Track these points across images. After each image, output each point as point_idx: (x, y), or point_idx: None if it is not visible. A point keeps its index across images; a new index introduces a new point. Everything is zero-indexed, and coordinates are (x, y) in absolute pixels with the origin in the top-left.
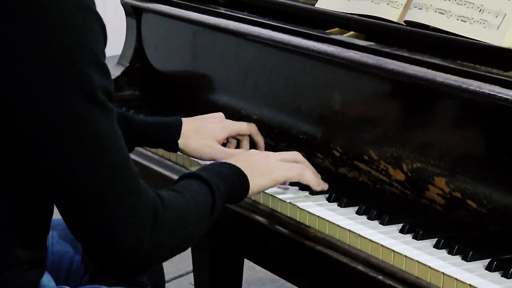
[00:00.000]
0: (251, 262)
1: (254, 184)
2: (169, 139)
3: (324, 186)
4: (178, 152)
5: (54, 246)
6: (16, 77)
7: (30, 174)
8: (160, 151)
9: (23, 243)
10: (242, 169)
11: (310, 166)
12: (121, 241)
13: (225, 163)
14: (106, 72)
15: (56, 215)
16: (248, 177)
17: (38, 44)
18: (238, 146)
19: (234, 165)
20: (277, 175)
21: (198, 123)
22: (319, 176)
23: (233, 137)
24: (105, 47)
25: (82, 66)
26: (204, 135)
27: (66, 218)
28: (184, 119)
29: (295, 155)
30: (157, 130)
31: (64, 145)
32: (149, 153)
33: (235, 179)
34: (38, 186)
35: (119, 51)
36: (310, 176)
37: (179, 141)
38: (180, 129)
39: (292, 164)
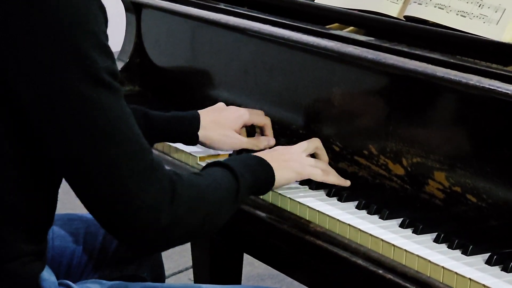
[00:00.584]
0: (250, 258)
1: (280, 176)
2: (189, 131)
3: (346, 183)
4: (197, 144)
5: (55, 241)
6: (21, 64)
7: (35, 165)
8: (160, 147)
9: (26, 235)
10: (268, 161)
11: (326, 156)
12: (138, 215)
13: (251, 154)
14: (109, 53)
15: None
16: (274, 169)
17: (39, 30)
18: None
19: (260, 157)
20: (302, 170)
21: (215, 113)
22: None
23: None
24: (106, 29)
25: (85, 49)
26: (222, 125)
27: (83, 198)
28: (200, 111)
29: (316, 142)
30: (177, 124)
31: (75, 127)
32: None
33: (261, 169)
34: (43, 176)
35: (119, 47)
36: (335, 179)
37: (199, 133)
38: (199, 121)
39: (317, 162)
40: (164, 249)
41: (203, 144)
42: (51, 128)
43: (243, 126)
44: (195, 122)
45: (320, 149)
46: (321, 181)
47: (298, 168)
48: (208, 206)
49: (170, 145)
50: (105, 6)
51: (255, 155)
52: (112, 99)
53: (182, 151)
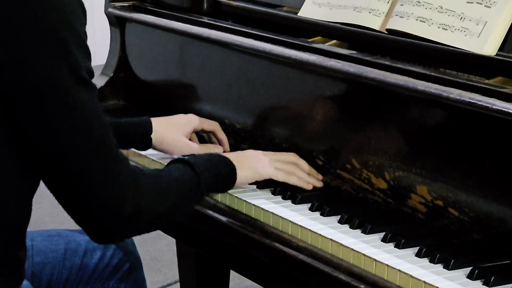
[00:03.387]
0: None
1: (242, 174)
2: (143, 136)
3: (316, 183)
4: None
5: (34, 257)
6: (9, 57)
7: (14, 167)
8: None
9: (4, 241)
10: (231, 160)
11: (306, 166)
12: (104, 203)
13: (215, 153)
14: (88, 53)
15: (36, 226)
16: (236, 168)
17: (28, 25)
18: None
19: (223, 155)
20: (263, 170)
21: (166, 119)
22: (316, 174)
23: (198, 133)
24: (85, 28)
25: (69, 46)
26: (173, 130)
27: (53, 187)
28: (152, 118)
29: (291, 156)
30: (131, 129)
31: (52, 117)
32: None
33: (222, 166)
34: (23, 171)
35: (103, 61)
36: (296, 180)
37: (151, 137)
38: (151, 125)
39: (283, 165)
40: (125, 238)
41: (155, 148)
42: (32, 117)
43: (195, 132)
44: (148, 127)
45: (298, 163)
46: (282, 181)
47: (259, 168)
48: (169, 199)
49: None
50: (94, 19)
51: (220, 154)
52: (88, 97)
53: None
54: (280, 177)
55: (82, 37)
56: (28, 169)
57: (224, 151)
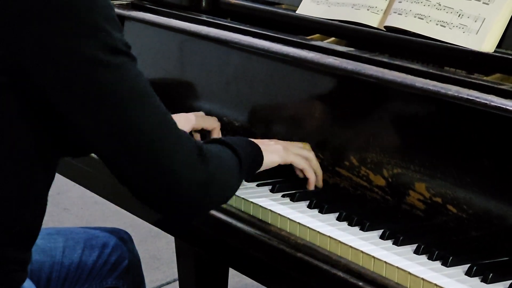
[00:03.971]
0: None
1: (267, 157)
2: None
3: (320, 183)
4: None
5: (34, 255)
6: (38, 43)
7: (32, 161)
8: None
9: (14, 240)
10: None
11: (317, 164)
12: (176, 174)
13: (242, 138)
14: (120, 26)
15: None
16: (262, 151)
17: (57, 12)
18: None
19: (248, 139)
20: (287, 155)
21: None
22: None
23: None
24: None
25: (101, 23)
26: None
27: (119, 169)
28: None
29: (308, 152)
30: None
31: (101, 95)
32: None
33: (252, 149)
34: (37, 173)
35: None
36: (312, 174)
37: None
38: None
39: (304, 154)
40: (203, 209)
41: None
42: (79, 105)
43: (195, 131)
44: None
45: (312, 160)
46: (301, 168)
47: (282, 153)
48: (228, 171)
49: None
50: None
51: (245, 138)
52: (132, 66)
53: None
54: (301, 164)
55: (109, 11)
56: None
57: None
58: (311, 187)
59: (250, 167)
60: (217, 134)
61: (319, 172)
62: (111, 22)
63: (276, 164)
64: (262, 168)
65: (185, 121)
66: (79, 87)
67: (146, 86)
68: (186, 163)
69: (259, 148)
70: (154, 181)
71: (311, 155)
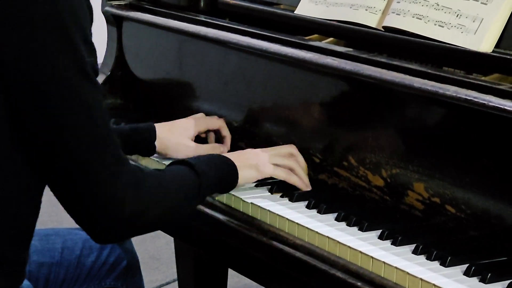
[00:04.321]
0: None
1: (242, 174)
2: (147, 142)
3: (308, 187)
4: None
5: (32, 256)
6: (15, 49)
7: (25, 159)
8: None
9: (10, 242)
10: (232, 160)
11: (303, 161)
12: (105, 204)
13: (216, 154)
14: (93, 50)
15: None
16: (238, 168)
17: (36, 17)
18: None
19: (224, 156)
20: (264, 169)
21: (169, 124)
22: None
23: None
24: (91, 27)
25: (76, 42)
26: (177, 134)
27: (54, 187)
28: (156, 124)
29: (290, 149)
30: (136, 136)
31: (55, 110)
32: None
33: (224, 167)
34: (31, 172)
35: (100, 60)
36: (296, 179)
37: (155, 143)
38: (155, 132)
39: (284, 162)
40: (126, 238)
41: (159, 154)
42: (35, 111)
43: (203, 133)
44: (152, 133)
45: (296, 157)
46: (283, 179)
47: (260, 167)
48: (170, 200)
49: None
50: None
51: (220, 154)
52: (93, 94)
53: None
54: (281, 175)
55: (87, 33)
56: (33, 167)
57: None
58: (303, 189)
59: (220, 186)
60: (226, 132)
61: (304, 176)
62: (86, 44)
63: (254, 180)
64: (240, 184)
65: (190, 125)
66: (39, 96)
67: (101, 115)
68: (116, 196)
69: (234, 167)
70: (81, 208)
71: (291, 162)
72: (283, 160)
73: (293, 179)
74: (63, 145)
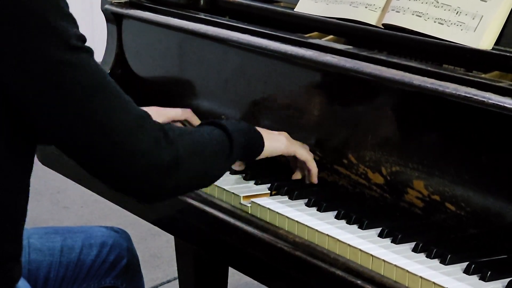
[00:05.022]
0: None
1: (269, 144)
2: None
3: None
4: None
5: (31, 254)
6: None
7: (11, 148)
8: None
9: (1, 230)
10: (258, 130)
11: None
12: (139, 160)
13: (243, 122)
14: (74, 20)
15: (35, 224)
16: (264, 138)
17: (9, 8)
18: None
19: (251, 125)
20: (290, 146)
21: None
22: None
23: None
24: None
25: (54, 21)
26: None
27: (82, 160)
28: None
29: (309, 154)
30: None
31: (63, 93)
32: None
33: (252, 134)
34: (18, 159)
35: (101, 58)
36: (314, 165)
37: None
38: None
39: (306, 148)
40: (170, 194)
41: None
42: (40, 100)
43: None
44: None
45: (309, 161)
46: (304, 160)
47: (286, 142)
48: (204, 151)
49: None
50: (93, 16)
51: (246, 123)
52: (88, 59)
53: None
54: (304, 155)
55: (63, 7)
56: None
57: None
58: (314, 179)
59: (248, 151)
60: (195, 121)
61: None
62: (65, 17)
63: (279, 153)
64: (264, 155)
65: (156, 116)
66: (39, 85)
67: (104, 76)
68: (148, 150)
69: (261, 135)
70: (117, 172)
71: (311, 154)
72: (306, 148)
73: (313, 164)
74: (80, 115)
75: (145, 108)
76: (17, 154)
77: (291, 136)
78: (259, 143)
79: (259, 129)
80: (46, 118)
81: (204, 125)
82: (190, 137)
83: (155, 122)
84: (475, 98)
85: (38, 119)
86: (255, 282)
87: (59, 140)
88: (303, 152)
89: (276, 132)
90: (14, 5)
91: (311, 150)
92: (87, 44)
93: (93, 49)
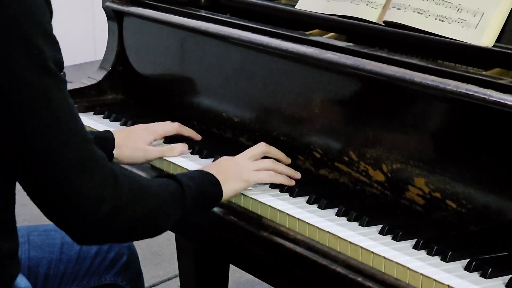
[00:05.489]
0: None
1: (228, 187)
2: (105, 150)
3: (296, 175)
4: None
5: (31, 251)
6: None
7: None
8: None
9: None
10: (214, 174)
11: (277, 152)
12: (80, 203)
13: (196, 170)
14: (55, 43)
15: (36, 221)
16: (221, 182)
17: None
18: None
19: (205, 171)
20: (248, 177)
21: (126, 131)
22: (286, 158)
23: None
24: (51, 20)
25: (32, 39)
26: (134, 140)
27: (27, 188)
28: (113, 131)
29: (262, 147)
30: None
31: (18, 116)
32: None
33: (206, 182)
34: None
35: (102, 56)
36: (281, 179)
37: (114, 152)
38: (114, 140)
39: (262, 163)
40: (106, 240)
41: (117, 161)
42: (0, 114)
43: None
44: (111, 141)
45: (269, 152)
46: (269, 182)
47: (244, 176)
48: (150, 203)
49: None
50: (95, 14)
51: (200, 170)
52: (57, 90)
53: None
54: (266, 179)
55: (45, 27)
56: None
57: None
58: (295, 176)
59: (205, 201)
60: (187, 132)
61: (285, 170)
62: (46, 38)
63: (240, 191)
64: (226, 197)
65: (146, 133)
66: (1, 100)
67: (68, 111)
68: (92, 194)
69: (217, 181)
70: (55, 207)
71: (269, 163)
72: (262, 163)
73: (278, 179)
74: (31, 145)
75: (133, 127)
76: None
77: (291, 133)
78: (216, 191)
79: (214, 170)
80: (2, 136)
81: (158, 177)
82: (139, 185)
83: (107, 166)
84: (476, 95)
85: None
86: (256, 279)
87: (12, 162)
88: (264, 177)
89: (224, 161)
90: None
91: (311, 149)
92: (87, 43)
93: (93, 47)
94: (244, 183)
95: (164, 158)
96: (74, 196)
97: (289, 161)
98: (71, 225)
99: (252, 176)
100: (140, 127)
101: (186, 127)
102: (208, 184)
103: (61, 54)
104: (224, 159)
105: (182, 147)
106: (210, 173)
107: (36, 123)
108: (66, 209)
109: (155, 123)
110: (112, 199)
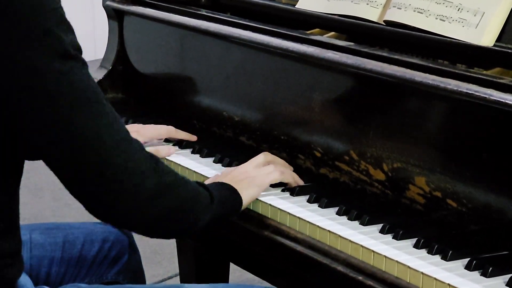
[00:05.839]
0: None
1: (246, 195)
2: None
3: (299, 182)
4: None
5: (33, 250)
6: None
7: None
8: None
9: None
10: (230, 184)
11: (281, 160)
12: (125, 179)
13: (214, 183)
14: (71, 27)
15: (37, 220)
16: (239, 191)
17: (3, 15)
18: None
19: (223, 182)
20: (262, 181)
21: None
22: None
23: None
24: (61, 5)
25: (49, 27)
26: None
27: (67, 177)
28: None
29: (265, 156)
30: None
31: (53, 103)
32: None
33: (226, 191)
34: (8, 162)
35: (102, 55)
36: (290, 177)
37: None
38: None
39: (269, 167)
40: (144, 220)
41: None
42: (29, 109)
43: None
44: None
45: (273, 161)
46: (280, 180)
47: (258, 182)
48: (185, 192)
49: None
50: (95, 13)
51: (219, 182)
52: (83, 70)
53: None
54: (278, 177)
55: (60, 13)
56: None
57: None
58: (294, 185)
59: (228, 211)
60: (180, 135)
61: (291, 174)
62: (60, 24)
63: (257, 197)
64: (245, 205)
65: (137, 136)
66: (26, 94)
67: (95, 91)
68: (135, 170)
69: (236, 191)
70: (99, 190)
71: (277, 166)
72: (270, 167)
73: (288, 177)
74: (71, 132)
75: (127, 126)
76: (5, 168)
77: (292, 132)
78: (237, 200)
79: (228, 180)
80: (29, 126)
81: (195, 182)
82: (178, 176)
83: (144, 149)
84: (477, 95)
85: (22, 128)
86: (257, 278)
87: (45, 154)
88: (276, 176)
89: (241, 171)
90: (9, 11)
91: (311, 148)
92: (87, 42)
93: (93, 46)
94: (259, 188)
95: (164, 158)
96: (118, 174)
97: (291, 169)
98: (116, 206)
99: (265, 179)
100: (132, 129)
101: (180, 131)
102: (228, 193)
103: (76, 37)
104: (232, 170)
105: (169, 149)
106: (227, 183)
107: (71, 106)
108: (109, 189)
109: (149, 125)
110: (155, 177)
